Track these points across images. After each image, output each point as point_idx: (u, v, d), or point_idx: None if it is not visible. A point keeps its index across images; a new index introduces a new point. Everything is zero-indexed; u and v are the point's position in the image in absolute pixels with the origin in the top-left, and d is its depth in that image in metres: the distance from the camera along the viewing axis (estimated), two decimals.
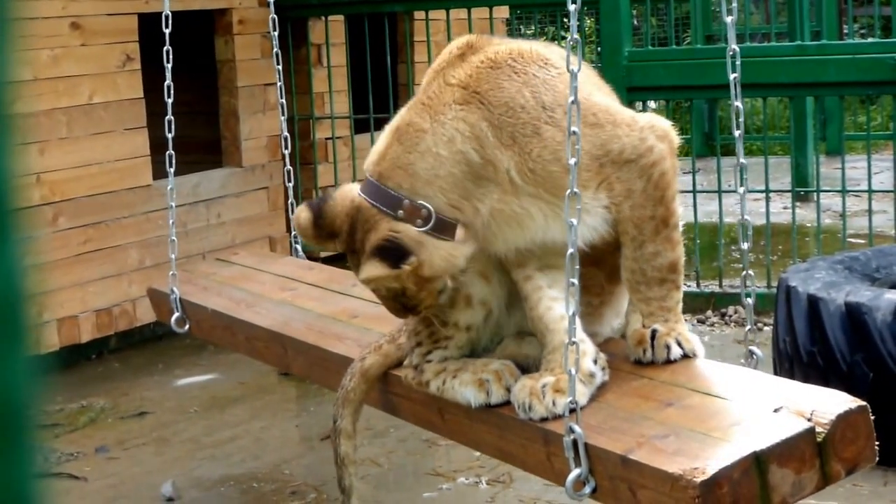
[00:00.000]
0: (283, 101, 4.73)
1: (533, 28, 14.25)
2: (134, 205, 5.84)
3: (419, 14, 6.89)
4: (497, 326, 2.57)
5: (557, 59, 2.40)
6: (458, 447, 3.50)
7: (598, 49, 10.32)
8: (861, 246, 6.01)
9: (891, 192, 6.41)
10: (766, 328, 5.33)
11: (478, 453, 3.82)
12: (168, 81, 4.20)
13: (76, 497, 4.17)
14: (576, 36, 2.18)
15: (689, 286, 5.66)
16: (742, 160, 2.63)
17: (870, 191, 6.04)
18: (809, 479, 2.01)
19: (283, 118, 4.79)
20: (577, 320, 2.24)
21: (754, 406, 2.13)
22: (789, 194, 6.72)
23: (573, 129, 2.18)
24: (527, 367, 2.46)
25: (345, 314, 3.45)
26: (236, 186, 6.45)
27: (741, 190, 2.61)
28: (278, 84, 4.71)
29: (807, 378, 3.79)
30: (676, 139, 2.45)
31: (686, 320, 2.51)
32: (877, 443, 2.07)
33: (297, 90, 6.77)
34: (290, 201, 4.66)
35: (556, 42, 8.58)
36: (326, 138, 6.94)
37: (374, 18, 6.80)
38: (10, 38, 0.65)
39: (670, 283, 2.42)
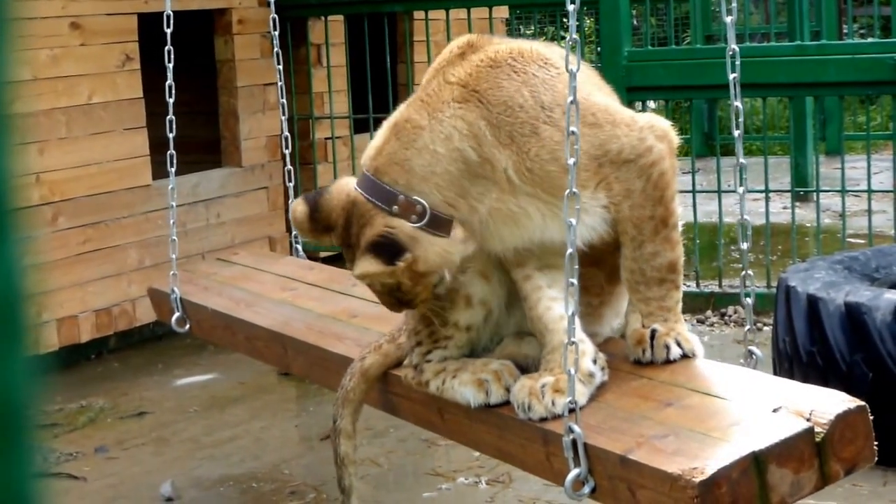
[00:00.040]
0: (284, 100, 4.73)
1: (532, 28, 14.24)
2: (133, 205, 5.84)
3: (419, 14, 6.89)
4: (497, 326, 2.57)
5: (557, 59, 2.40)
6: (458, 447, 3.50)
7: (598, 49, 10.31)
8: (861, 246, 6.01)
9: (890, 192, 6.41)
10: (765, 328, 5.33)
11: (477, 453, 3.82)
12: (169, 81, 4.20)
13: (75, 497, 4.17)
14: (574, 36, 2.18)
15: (688, 286, 5.66)
16: (741, 160, 2.63)
17: (869, 191, 6.04)
18: (808, 479, 2.01)
19: (283, 118, 4.79)
20: (577, 320, 2.24)
21: (753, 406, 2.13)
22: (789, 194, 6.72)
23: (572, 129, 2.18)
24: (526, 367, 2.46)
25: (345, 314, 3.45)
26: (236, 186, 6.45)
27: (741, 190, 2.61)
28: (278, 84, 4.71)
29: (806, 378, 3.78)
30: (676, 139, 2.45)
31: (685, 320, 2.51)
32: (876, 443, 2.07)
33: (297, 90, 6.77)
34: (289, 201, 4.65)
35: (555, 42, 8.57)
36: (326, 138, 6.94)
37: (373, 18, 6.80)
38: (9, 38, 0.65)
39: (670, 282, 2.42)
